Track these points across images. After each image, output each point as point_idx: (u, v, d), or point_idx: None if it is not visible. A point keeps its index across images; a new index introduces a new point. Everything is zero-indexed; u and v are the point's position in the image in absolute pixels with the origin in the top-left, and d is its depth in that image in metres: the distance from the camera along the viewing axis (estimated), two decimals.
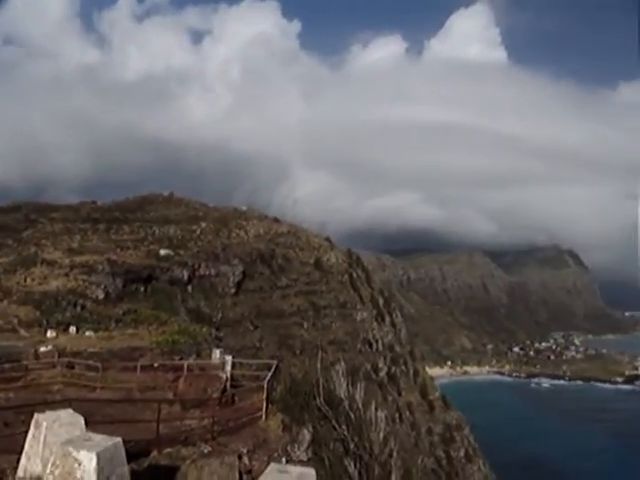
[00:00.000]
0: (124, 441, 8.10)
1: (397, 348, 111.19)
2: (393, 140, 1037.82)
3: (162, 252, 76.97)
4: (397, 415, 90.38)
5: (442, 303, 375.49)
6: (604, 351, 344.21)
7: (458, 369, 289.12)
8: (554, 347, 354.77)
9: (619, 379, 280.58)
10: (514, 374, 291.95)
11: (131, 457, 8.67)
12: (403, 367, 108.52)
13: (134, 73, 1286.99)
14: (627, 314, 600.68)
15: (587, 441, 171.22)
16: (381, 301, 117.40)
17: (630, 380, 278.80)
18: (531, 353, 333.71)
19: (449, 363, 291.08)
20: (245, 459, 12.33)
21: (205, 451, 12.75)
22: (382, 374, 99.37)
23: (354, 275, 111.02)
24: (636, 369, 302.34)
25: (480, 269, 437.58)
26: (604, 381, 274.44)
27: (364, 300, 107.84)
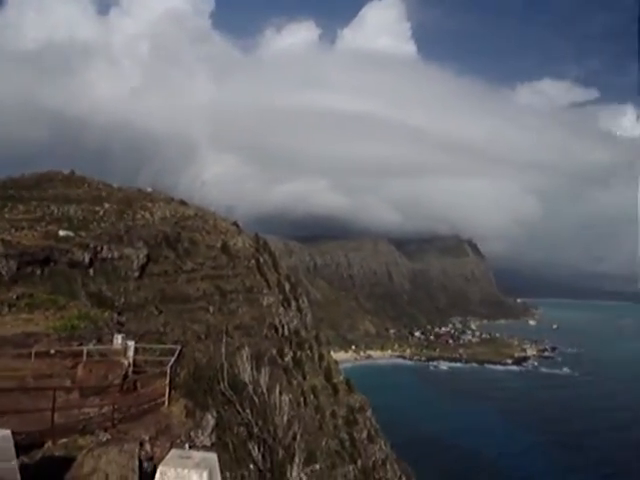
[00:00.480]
0: (14, 433, 7.64)
1: (303, 333, 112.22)
2: (303, 126, 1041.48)
3: (61, 233, 72.80)
4: (302, 399, 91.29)
5: (347, 289, 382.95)
6: (497, 335, 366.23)
7: (362, 353, 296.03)
8: (452, 331, 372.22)
9: (509, 361, 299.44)
10: (415, 357, 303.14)
11: (22, 450, 8.20)
12: (308, 352, 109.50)
13: (33, 41, 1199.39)
14: (519, 300, 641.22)
15: (480, 418, 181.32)
16: (287, 286, 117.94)
17: (518, 362, 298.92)
18: (431, 337, 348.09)
19: (353, 347, 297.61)
20: (147, 446, 12.04)
21: (104, 439, 12.33)
22: (287, 359, 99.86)
23: (261, 260, 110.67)
24: (524, 351, 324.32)
25: (385, 256, 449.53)
26: (496, 363, 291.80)
27: (271, 285, 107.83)
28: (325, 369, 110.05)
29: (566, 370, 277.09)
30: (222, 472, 5.74)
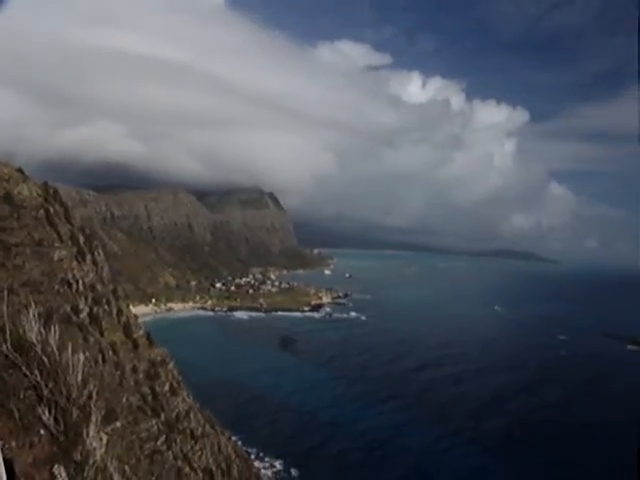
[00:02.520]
0: None
1: (99, 287, 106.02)
2: (95, 67, 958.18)
3: None
4: (100, 356, 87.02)
5: (147, 241, 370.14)
6: (295, 284, 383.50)
7: (163, 306, 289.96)
8: (253, 282, 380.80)
9: (306, 308, 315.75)
10: (216, 308, 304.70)
11: None
12: (106, 307, 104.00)
13: None
14: (315, 251, 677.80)
15: (277, 359, 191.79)
16: (82, 239, 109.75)
17: (315, 308, 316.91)
18: (232, 288, 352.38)
19: (154, 300, 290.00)
20: None
21: None
22: (83, 315, 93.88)
23: (51, 210, 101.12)
24: (320, 299, 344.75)
25: (185, 208, 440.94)
26: (294, 310, 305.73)
27: (63, 238, 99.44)
28: (124, 324, 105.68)
29: (354, 314, 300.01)
30: (5, 442, 5.16)
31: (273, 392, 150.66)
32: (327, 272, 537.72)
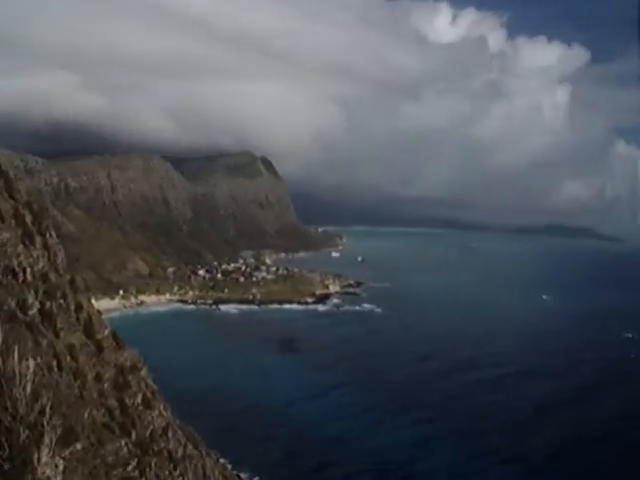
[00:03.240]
0: None
1: (53, 277, 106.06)
2: (38, 4, 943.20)
3: None
4: (54, 362, 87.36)
5: (112, 219, 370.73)
6: (296, 270, 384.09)
7: (133, 299, 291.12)
8: (244, 268, 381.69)
9: (309, 299, 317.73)
10: (199, 301, 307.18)
11: None
12: (61, 301, 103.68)
13: None
14: (320, 230, 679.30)
15: (274, 364, 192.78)
16: (29, 217, 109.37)
17: (320, 300, 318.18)
18: (219, 276, 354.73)
19: (121, 292, 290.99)
20: None
21: None
22: (33, 312, 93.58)
23: None
24: (327, 288, 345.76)
25: (159, 177, 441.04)
26: (295, 302, 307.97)
27: (4, 216, 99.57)
28: (85, 322, 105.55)
29: (368, 306, 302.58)
30: None
31: (268, 403, 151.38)
32: (335, 255, 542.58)
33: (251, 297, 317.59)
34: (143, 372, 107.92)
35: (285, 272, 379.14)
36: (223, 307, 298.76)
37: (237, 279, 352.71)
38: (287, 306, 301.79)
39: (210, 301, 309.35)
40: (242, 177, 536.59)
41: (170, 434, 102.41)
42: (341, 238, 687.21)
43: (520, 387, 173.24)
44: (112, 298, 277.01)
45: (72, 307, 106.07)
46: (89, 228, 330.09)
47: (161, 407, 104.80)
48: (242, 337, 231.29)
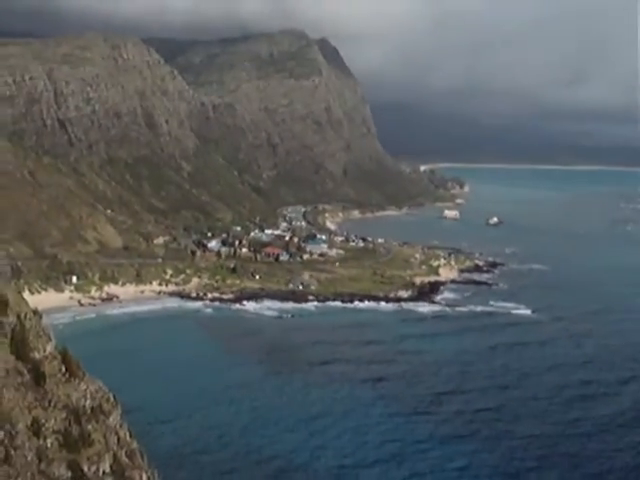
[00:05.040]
0: None
1: None
2: None
3: None
4: None
5: (58, 151, 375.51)
6: (379, 242, 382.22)
7: (96, 292, 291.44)
8: (288, 237, 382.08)
9: (403, 293, 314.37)
10: (210, 295, 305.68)
11: None
12: None
13: None
14: (422, 169, 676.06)
15: (338, 408, 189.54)
16: None
17: (423, 294, 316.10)
18: (244, 251, 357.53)
19: (75, 280, 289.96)
20: None
21: None
22: None
23: None
24: (436, 273, 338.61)
25: (138, 76, 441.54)
26: (379, 299, 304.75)
27: None
28: (13, 332, 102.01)
29: (510, 306, 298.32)
30: None
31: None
32: (449, 214, 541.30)
33: (300, 287, 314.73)
34: (113, 418, 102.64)
35: (361, 244, 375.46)
36: (251, 305, 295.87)
37: (276, 256, 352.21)
38: (365, 305, 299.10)
39: (229, 295, 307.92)
40: (285, 76, 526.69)
41: None
42: (460, 185, 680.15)
43: None
44: (60, 290, 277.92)
45: None
46: (18, 168, 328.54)
47: (144, 477, 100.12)
48: (284, 360, 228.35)
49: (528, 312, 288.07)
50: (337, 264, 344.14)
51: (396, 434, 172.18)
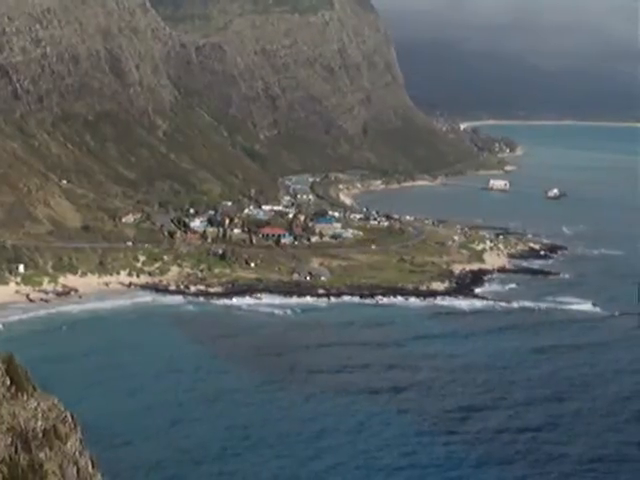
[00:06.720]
0: None
1: None
2: None
3: None
4: None
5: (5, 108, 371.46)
6: (407, 219, 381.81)
7: (48, 284, 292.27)
8: (292, 214, 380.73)
9: (438, 285, 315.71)
10: (193, 288, 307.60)
11: None
12: None
13: None
14: (462, 127, 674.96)
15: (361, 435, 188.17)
16: None
17: (462, 285, 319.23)
18: (236, 232, 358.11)
19: (22, 270, 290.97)
20: None
21: None
22: None
23: None
24: (480, 259, 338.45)
25: (101, 9, 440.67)
26: (404, 293, 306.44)
27: None
28: None
29: (574, 301, 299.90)
30: None
31: None
32: (496, 184, 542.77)
33: (307, 278, 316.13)
34: (71, 444, 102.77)
35: (384, 224, 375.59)
36: (245, 302, 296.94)
37: (277, 239, 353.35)
38: (389, 300, 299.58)
39: (217, 287, 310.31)
40: (287, 9, 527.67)
41: None
42: (511, 147, 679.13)
43: None
44: (3, 282, 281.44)
45: None
46: None
47: None
48: (285, 370, 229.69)
49: (603, 310, 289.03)
50: (354, 249, 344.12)
51: (419, 459, 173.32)
